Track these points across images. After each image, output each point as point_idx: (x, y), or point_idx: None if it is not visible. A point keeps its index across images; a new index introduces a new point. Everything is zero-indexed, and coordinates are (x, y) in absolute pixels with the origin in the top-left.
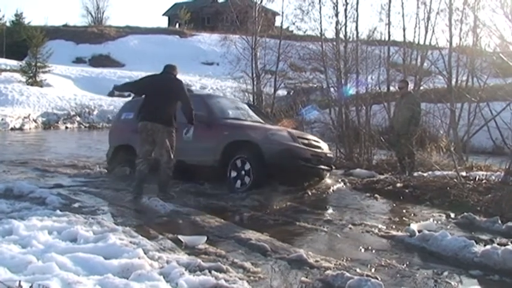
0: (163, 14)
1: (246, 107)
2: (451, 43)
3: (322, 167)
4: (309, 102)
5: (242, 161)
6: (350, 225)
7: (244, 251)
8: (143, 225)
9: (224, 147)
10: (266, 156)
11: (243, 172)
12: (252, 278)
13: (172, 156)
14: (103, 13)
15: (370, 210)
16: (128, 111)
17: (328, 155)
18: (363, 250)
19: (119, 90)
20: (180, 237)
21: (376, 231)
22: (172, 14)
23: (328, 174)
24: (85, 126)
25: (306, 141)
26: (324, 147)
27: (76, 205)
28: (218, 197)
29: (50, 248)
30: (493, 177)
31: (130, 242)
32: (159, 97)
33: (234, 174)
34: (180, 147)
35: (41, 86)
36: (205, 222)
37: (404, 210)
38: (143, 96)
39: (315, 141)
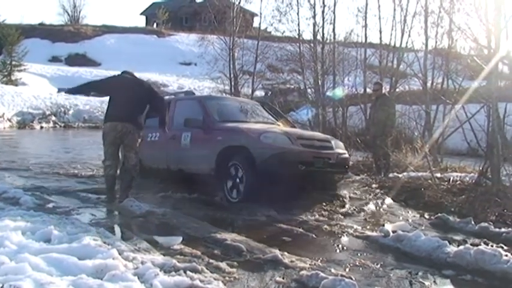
0: (141, 14)
1: (259, 107)
2: (426, 46)
3: (331, 170)
4: (286, 103)
5: (235, 169)
6: (325, 226)
7: (219, 252)
8: (118, 225)
9: (218, 154)
10: (257, 161)
11: (237, 180)
12: (227, 278)
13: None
14: (80, 12)
15: (346, 210)
16: None
17: (340, 155)
18: (338, 250)
19: (72, 93)
20: (155, 237)
21: (351, 231)
22: (150, 13)
23: (341, 177)
24: (60, 126)
25: (307, 142)
26: (336, 147)
27: (50, 205)
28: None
29: (23, 249)
30: (467, 179)
31: (105, 243)
32: (130, 98)
33: (229, 183)
34: (178, 154)
35: (16, 85)
36: (181, 222)
37: (379, 211)
38: (109, 96)
39: (321, 140)
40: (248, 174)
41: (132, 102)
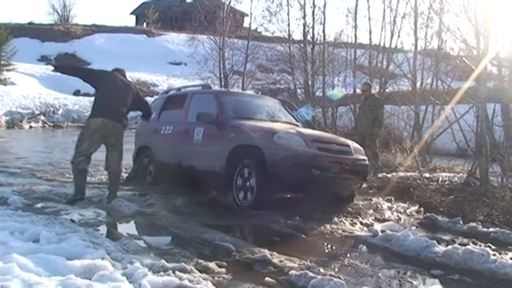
0: (131, 13)
1: (278, 106)
2: (416, 46)
3: (348, 176)
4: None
5: (246, 170)
6: (314, 226)
7: (209, 251)
8: (107, 226)
9: (229, 153)
10: (269, 163)
11: (247, 183)
12: (216, 278)
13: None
14: (69, 11)
15: (334, 210)
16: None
17: (359, 161)
18: (326, 250)
19: (61, 71)
20: (144, 238)
21: (340, 231)
22: (139, 13)
23: (359, 185)
24: (49, 126)
25: (324, 146)
26: (355, 152)
27: (39, 205)
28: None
29: (11, 249)
30: (456, 179)
31: (93, 243)
32: (122, 97)
33: (239, 185)
34: (190, 150)
35: (5, 85)
36: (170, 222)
37: (368, 211)
38: (99, 90)
39: (339, 144)
40: (259, 176)
41: (124, 102)
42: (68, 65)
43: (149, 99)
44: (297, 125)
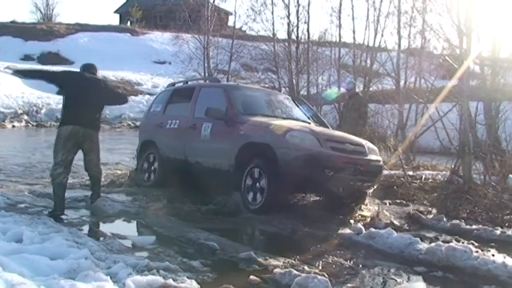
0: (115, 12)
1: (290, 102)
2: (399, 45)
3: (361, 178)
4: None
5: (256, 169)
6: (298, 224)
7: (193, 250)
8: (90, 225)
9: (238, 150)
10: (280, 163)
11: (257, 184)
12: (201, 277)
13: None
14: (53, 10)
15: (319, 208)
16: (158, 103)
17: (373, 162)
18: (311, 248)
19: (22, 74)
20: (128, 237)
21: (324, 229)
22: (123, 11)
23: (372, 187)
24: (33, 125)
25: (338, 145)
26: (369, 152)
27: (22, 205)
28: None
29: None
30: (439, 177)
31: (77, 243)
32: (91, 100)
33: (248, 185)
34: (197, 146)
35: None
36: (154, 222)
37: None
38: (65, 93)
39: (354, 144)
40: (270, 177)
41: (93, 104)
42: (29, 69)
43: (133, 98)
44: (309, 123)
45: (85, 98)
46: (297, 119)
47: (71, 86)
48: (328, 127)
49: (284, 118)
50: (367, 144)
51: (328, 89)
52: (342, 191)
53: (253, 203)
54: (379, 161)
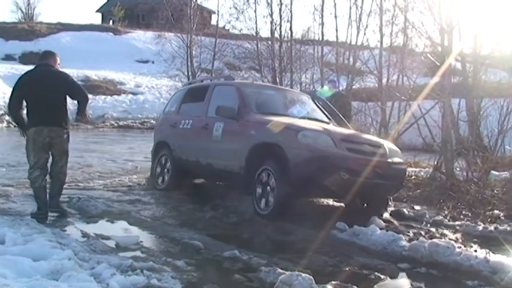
0: (97, 11)
1: (307, 101)
2: (381, 43)
3: (381, 182)
4: None
5: (266, 172)
6: (283, 222)
7: (177, 250)
8: (74, 226)
9: (249, 151)
10: (291, 164)
11: (268, 188)
12: (185, 276)
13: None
14: (34, 9)
15: (303, 206)
16: (172, 103)
17: (394, 165)
18: (295, 246)
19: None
20: (111, 237)
21: (308, 227)
22: (106, 10)
23: (394, 192)
24: (14, 126)
25: (355, 146)
26: (390, 154)
27: (5, 207)
28: None
29: None
30: (422, 173)
31: (60, 243)
32: (48, 96)
33: (259, 190)
34: (209, 147)
35: None
36: (138, 221)
37: (336, 207)
38: (25, 97)
39: (373, 145)
40: (281, 180)
41: (55, 101)
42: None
43: (116, 98)
44: (328, 123)
45: (41, 95)
46: (314, 119)
47: (27, 89)
48: (349, 128)
49: (299, 118)
50: (388, 145)
51: (321, 88)
52: (358, 196)
53: (265, 209)
54: (401, 164)
